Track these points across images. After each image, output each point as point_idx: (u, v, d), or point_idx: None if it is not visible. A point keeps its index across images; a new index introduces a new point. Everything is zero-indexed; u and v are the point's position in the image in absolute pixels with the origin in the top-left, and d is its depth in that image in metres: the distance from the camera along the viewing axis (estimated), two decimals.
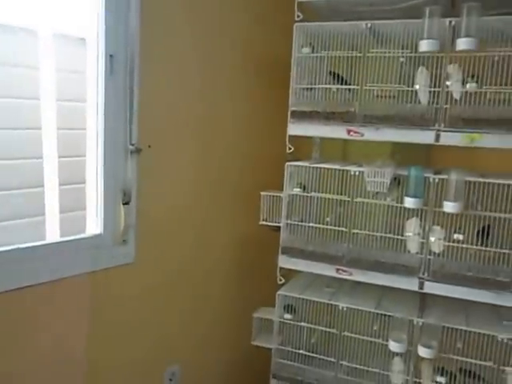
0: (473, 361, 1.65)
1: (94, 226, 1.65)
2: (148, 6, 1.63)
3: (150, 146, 1.71)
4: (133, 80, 1.63)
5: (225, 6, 1.96)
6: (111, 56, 1.58)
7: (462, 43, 1.51)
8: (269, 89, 2.14)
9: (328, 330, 1.81)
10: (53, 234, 1.64)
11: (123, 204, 1.67)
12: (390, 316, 1.73)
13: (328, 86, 1.75)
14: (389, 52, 1.66)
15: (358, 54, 1.69)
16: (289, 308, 1.86)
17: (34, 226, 1.61)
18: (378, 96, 1.70)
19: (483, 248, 1.62)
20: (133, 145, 1.66)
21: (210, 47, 1.92)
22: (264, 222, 1.86)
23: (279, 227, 1.83)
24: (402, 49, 1.67)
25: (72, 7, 1.60)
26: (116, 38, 1.58)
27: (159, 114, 1.76)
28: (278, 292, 1.86)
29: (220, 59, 1.97)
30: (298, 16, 1.73)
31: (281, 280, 1.84)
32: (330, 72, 1.79)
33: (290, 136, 1.77)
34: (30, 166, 1.59)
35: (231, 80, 2.04)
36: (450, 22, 1.57)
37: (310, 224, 1.81)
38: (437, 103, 1.61)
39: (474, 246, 1.63)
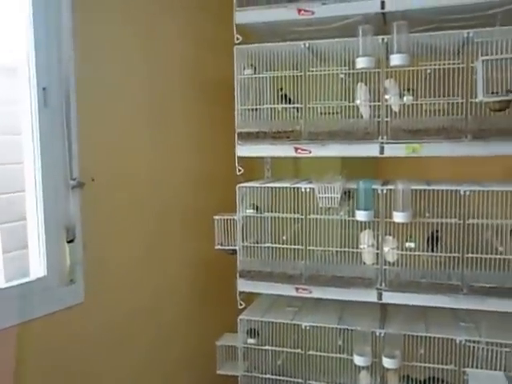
0: (435, 366, 1.68)
1: (37, 267, 1.55)
2: (83, 33, 1.58)
3: (93, 180, 1.64)
4: (69, 112, 1.56)
5: (168, 29, 1.95)
6: (44, 89, 1.51)
7: (395, 59, 1.58)
8: (218, 111, 2.14)
9: (293, 350, 1.80)
10: None
11: (68, 242, 1.58)
12: (352, 330, 1.74)
13: (272, 105, 1.77)
14: (328, 70, 1.71)
15: (299, 74, 1.72)
16: (252, 332, 1.83)
17: None
18: (322, 113, 1.73)
19: (434, 254, 1.67)
20: (74, 179, 1.58)
21: (154, 71, 1.90)
22: (219, 247, 1.82)
23: (236, 250, 1.81)
24: (342, 66, 1.72)
25: (2, 36, 1.53)
26: (48, 70, 1.52)
27: (102, 145, 1.70)
28: (240, 317, 1.82)
29: (165, 83, 1.96)
30: (238, 38, 1.74)
31: (241, 304, 1.81)
32: (281, 89, 1.81)
33: (238, 157, 1.77)
34: None
35: (179, 104, 2.03)
36: (383, 39, 1.64)
37: (266, 244, 1.80)
38: (378, 117, 1.67)
39: (426, 253, 1.68)
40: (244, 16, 1.72)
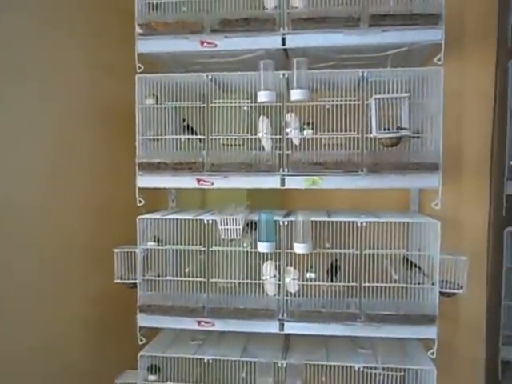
0: None
1: None
2: None
3: None
4: None
5: (73, 55, 1.88)
6: None
7: (295, 94, 1.61)
8: (121, 139, 2.04)
9: None
10: None
11: None
12: (255, 362, 1.73)
13: (174, 136, 1.75)
14: (231, 102, 1.72)
15: (201, 105, 1.71)
16: (153, 368, 1.76)
17: None
18: (225, 145, 1.73)
19: (333, 284, 1.71)
20: None
21: (54, 96, 1.82)
22: (119, 280, 1.75)
23: (136, 284, 1.75)
24: (245, 98, 1.74)
25: None
26: None
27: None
28: (140, 353, 1.75)
29: (66, 109, 1.87)
30: (140, 67, 1.71)
31: (142, 340, 1.74)
32: (184, 120, 1.79)
33: (139, 188, 1.72)
34: None
35: (80, 131, 1.94)
36: (284, 74, 1.67)
37: (167, 278, 1.75)
38: (279, 149, 1.70)
39: (325, 283, 1.72)
40: (146, 45, 1.69)
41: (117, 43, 1.93)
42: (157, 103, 1.73)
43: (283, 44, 1.66)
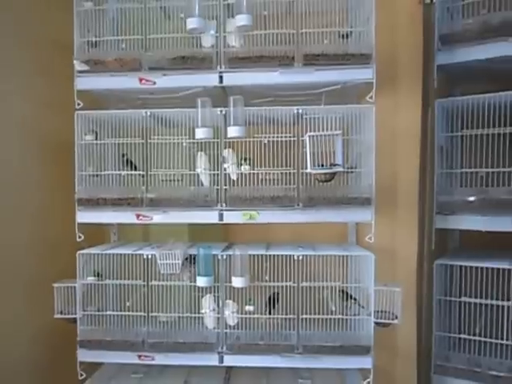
0: None
1: None
2: None
3: None
4: None
5: (8, 88, 1.87)
6: None
7: (231, 131, 1.65)
8: (60, 174, 1.98)
9: None
10: None
11: None
12: None
13: (113, 172, 1.77)
14: (169, 138, 1.74)
15: (140, 141, 1.74)
16: None
17: None
18: (164, 180, 1.76)
19: (271, 316, 1.74)
20: None
21: None
22: (59, 315, 1.75)
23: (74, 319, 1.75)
24: (184, 135, 1.76)
25: None
26: None
27: None
28: None
29: (3, 145, 1.85)
30: (79, 104, 1.72)
31: (82, 375, 1.74)
32: (123, 155, 1.81)
33: (79, 224, 1.73)
34: None
35: (20, 168, 1.91)
36: (221, 111, 1.71)
37: (107, 312, 1.76)
38: (217, 184, 1.73)
39: (264, 316, 1.74)
40: (85, 82, 1.71)
41: (57, 79, 1.93)
42: (96, 139, 1.75)
43: (220, 82, 1.70)
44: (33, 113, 1.96)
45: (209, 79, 1.70)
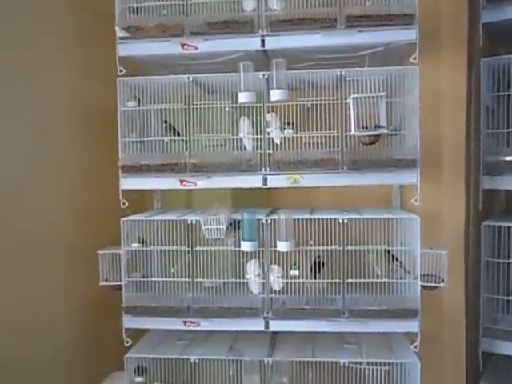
0: None
1: None
2: None
3: None
4: None
5: (54, 56, 1.89)
6: None
7: (274, 94, 1.64)
8: (104, 142, 2.04)
9: None
10: None
11: None
12: (241, 360, 1.74)
13: (157, 138, 1.77)
14: (212, 103, 1.74)
15: (183, 107, 1.74)
16: (140, 370, 1.77)
17: None
18: (207, 145, 1.75)
19: (317, 280, 1.74)
20: None
21: (37, 99, 1.84)
22: (104, 283, 1.76)
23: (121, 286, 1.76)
24: (227, 99, 1.76)
25: None
26: None
27: None
28: (127, 355, 1.76)
29: (49, 112, 1.89)
30: (121, 70, 1.72)
31: (128, 342, 1.75)
32: (165, 121, 1.81)
33: (123, 190, 1.73)
34: None
35: (63, 134, 1.95)
36: (264, 75, 1.70)
37: (152, 279, 1.76)
38: (261, 149, 1.72)
39: (309, 280, 1.74)
40: (127, 49, 1.71)
41: (98, 45, 1.94)
42: (139, 105, 1.75)
43: (262, 45, 1.69)
44: (75, 80, 1.98)
45: (251, 43, 1.69)
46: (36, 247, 1.83)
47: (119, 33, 1.71)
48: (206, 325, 1.73)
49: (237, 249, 1.74)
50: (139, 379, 1.74)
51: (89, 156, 2.04)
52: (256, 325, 1.72)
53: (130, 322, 1.75)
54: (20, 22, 1.79)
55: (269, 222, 1.72)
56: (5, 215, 1.72)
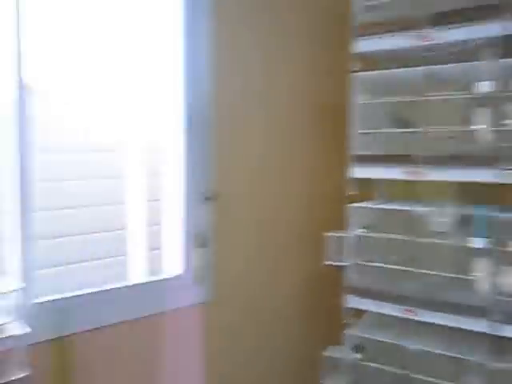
0: None
1: (174, 267, 1.80)
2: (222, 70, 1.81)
3: (218, 195, 1.82)
4: (208, 136, 1.79)
5: (290, 54, 2.09)
6: (190, 116, 1.77)
7: None
8: (331, 135, 2.23)
9: (398, 371, 1.80)
10: (135, 275, 1.80)
11: (200, 247, 1.81)
12: (462, 359, 1.69)
13: (391, 130, 1.83)
14: (445, 94, 1.71)
15: (416, 98, 1.75)
16: (358, 348, 1.87)
17: (116, 267, 1.77)
18: (438, 138, 1.73)
19: None
20: (208, 195, 1.80)
21: (275, 96, 2.06)
22: (330, 262, 1.92)
23: (343, 266, 1.89)
24: (460, 90, 1.71)
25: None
26: (194, 100, 1.77)
27: (233, 165, 1.90)
28: (346, 331, 1.88)
29: (281, 108, 2.10)
30: (355, 66, 1.83)
31: (346, 320, 1.87)
32: (395, 113, 1.85)
33: (352, 179, 1.84)
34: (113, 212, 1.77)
35: (297, 128, 2.15)
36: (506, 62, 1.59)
37: (376, 264, 1.84)
38: (499, 142, 1.63)
39: None
40: (364, 44, 1.80)
41: (330, 44, 2.11)
42: (371, 99, 1.83)
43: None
44: (310, 77, 2.16)
45: (491, 29, 1.60)
46: (273, 229, 2.08)
47: (356, 30, 1.81)
48: (423, 315, 1.73)
49: (464, 244, 1.68)
50: (358, 356, 1.85)
51: (318, 147, 2.22)
52: (478, 325, 1.65)
53: (350, 302, 1.87)
54: (267, 25, 2.01)
55: (503, 219, 1.61)
56: (248, 206, 1.98)
